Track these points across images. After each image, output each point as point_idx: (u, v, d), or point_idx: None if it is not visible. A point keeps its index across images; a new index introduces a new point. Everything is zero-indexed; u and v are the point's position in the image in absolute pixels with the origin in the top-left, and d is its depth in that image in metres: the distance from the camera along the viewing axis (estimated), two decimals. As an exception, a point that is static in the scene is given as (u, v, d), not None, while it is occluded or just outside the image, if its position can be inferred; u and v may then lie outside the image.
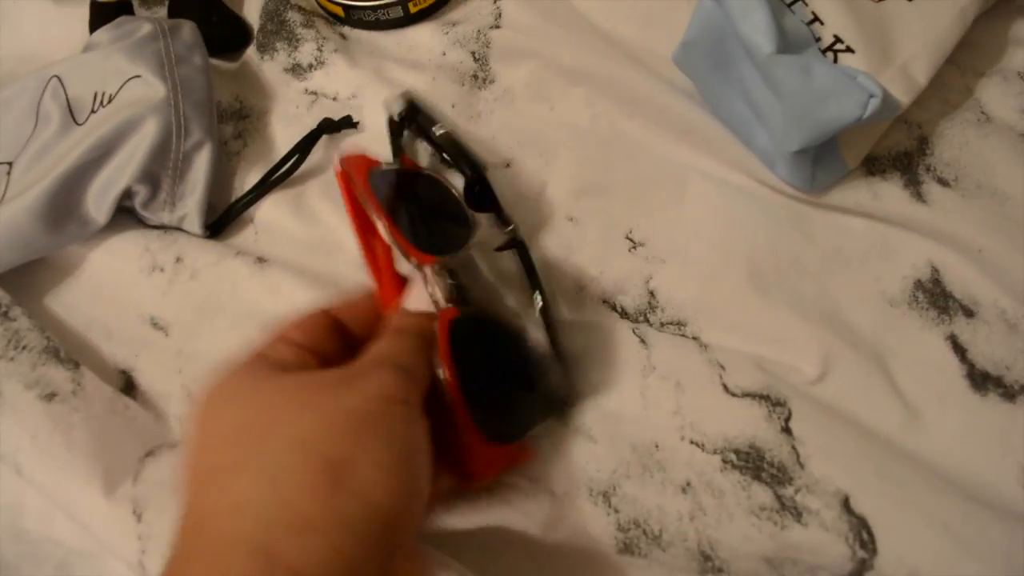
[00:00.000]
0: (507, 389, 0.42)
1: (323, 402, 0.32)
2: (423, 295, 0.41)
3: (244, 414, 0.32)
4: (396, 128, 0.50)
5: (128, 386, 0.47)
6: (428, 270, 0.41)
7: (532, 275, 0.46)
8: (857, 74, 0.44)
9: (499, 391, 0.41)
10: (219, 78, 0.55)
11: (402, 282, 0.42)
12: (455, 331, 0.38)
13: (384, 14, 0.55)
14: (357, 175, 0.42)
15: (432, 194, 0.46)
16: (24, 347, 0.46)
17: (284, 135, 0.54)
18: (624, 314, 0.48)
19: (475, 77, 0.55)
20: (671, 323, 0.47)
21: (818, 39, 0.47)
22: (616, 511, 0.42)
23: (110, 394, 0.46)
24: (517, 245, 0.47)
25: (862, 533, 0.41)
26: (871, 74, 0.45)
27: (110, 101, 0.50)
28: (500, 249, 0.47)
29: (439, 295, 0.40)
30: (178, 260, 0.49)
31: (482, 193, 0.46)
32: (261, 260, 0.49)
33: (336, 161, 0.44)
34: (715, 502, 0.42)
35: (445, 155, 0.50)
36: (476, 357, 0.40)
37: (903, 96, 0.46)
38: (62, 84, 0.51)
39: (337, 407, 0.32)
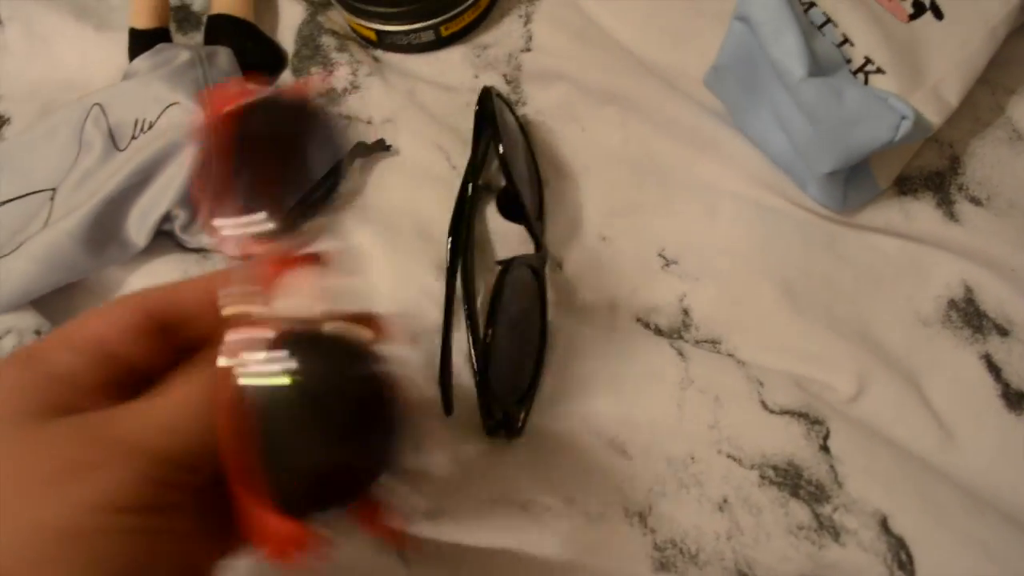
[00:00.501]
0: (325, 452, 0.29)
1: (27, 505, 0.24)
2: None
3: None
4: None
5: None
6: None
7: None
8: (888, 96, 0.44)
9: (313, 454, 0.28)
10: (255, 102, 0.56)
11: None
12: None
13: (416, 38, 0.56)
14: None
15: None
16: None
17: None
18: (659, 332, 0.48)
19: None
20: (706, 341, 0.47)
21: (849, 60, 0.48)
22: (652, 531, 0.42)
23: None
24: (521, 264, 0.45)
25: (900, 554, 0.41)
26: (902, 95, 0.46)
27: (150, 127, 0.51)
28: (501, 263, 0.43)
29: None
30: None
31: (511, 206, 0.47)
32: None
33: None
34: (753, 520, 0.42)
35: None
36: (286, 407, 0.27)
37: (934, 117, 0.46)
38: (103, 112, 0.52)
39: (39, 517, 0.24)
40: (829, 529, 0.42)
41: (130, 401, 0.27)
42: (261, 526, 0.27)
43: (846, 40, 0.48)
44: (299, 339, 0.28)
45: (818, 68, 0.45)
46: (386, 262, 0.50)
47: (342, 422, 0.28)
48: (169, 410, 0.26)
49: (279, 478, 0.26)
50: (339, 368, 0.29)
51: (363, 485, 0.29)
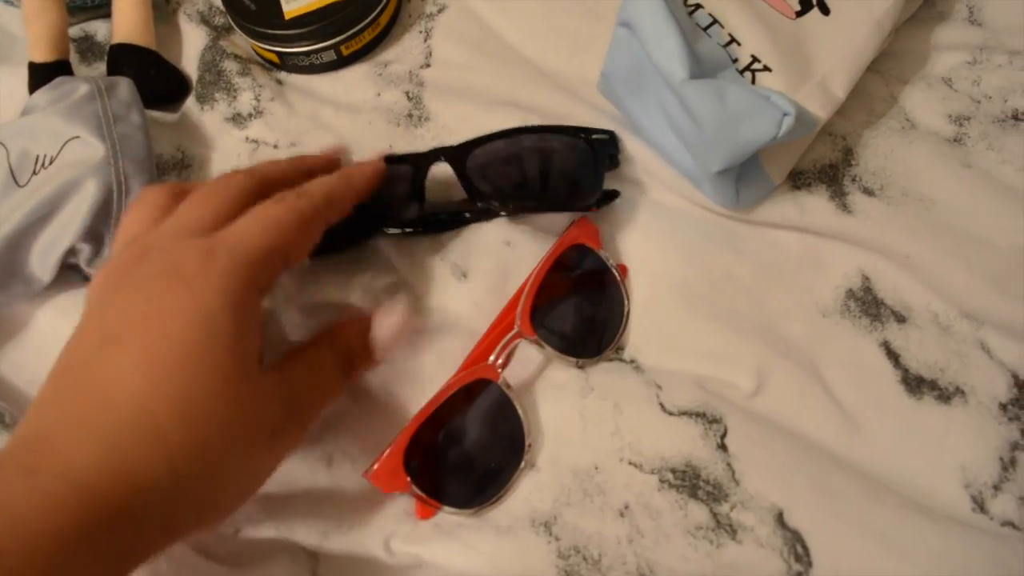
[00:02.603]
0: None
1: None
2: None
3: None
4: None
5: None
6: None
7: None
8: (771, 94, 0.44)
9: None
10: (160, 130, 0.56)
11: None
12: None
13: (318, 58, 0.56)
14: None
15: None
16: (-32, 414, 0.46)
17: (226, 183, 0.54)
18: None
19: (410, 116, 0.55)
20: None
21: (735, 60, 0.48)
22: (557, 539, 0.43)
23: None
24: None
25: (796, 547, 0.41)
26: (788, 91, 0.46)
27: (51, 163, 0.51)
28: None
29: None
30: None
31: None
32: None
33: None
34: (652, 524, 0.43)
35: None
36: None
37: (821, 111, 0.47)
38: (4, 147, 0.51)
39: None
40: (726, 527, 0.42)
41: None
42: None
43: (733, 40, 0.49)
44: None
45: (701, 69, 0.46)
46: (291, 284, 0.51)
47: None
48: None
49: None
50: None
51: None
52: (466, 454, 0.46)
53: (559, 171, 0.51)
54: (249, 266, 0.36)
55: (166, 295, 0.34)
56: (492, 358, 0.45)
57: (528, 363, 0.47)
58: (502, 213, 0.50)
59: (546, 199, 0.51)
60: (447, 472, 0.45)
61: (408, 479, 0.42)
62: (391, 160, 0.48)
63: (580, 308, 0.49)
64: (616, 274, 0.49)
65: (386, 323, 0.43)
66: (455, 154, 0.48)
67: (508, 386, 0.45)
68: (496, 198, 0.48)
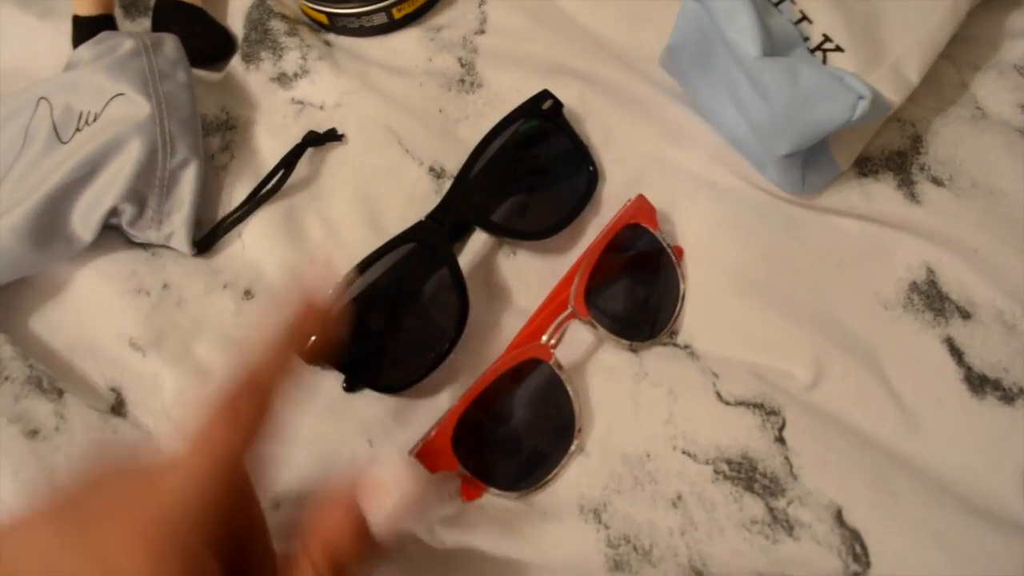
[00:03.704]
0: None
1: None
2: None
3: None
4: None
5: (119, 403, 0.47)
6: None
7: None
8: (845, 75, 0.43)
9: None
10: (204, 89, 0.55)
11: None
12: None
13: (368, 20, 0.55)
14: None
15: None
16: (7, 378, 0.45)
17: (271, 146, 0.53)
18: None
19: (462, 82, 0.54)
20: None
21: (806, 39, 0.46)
22: (606, 527, 0.42)
23: (96, 420, 0.45)
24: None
25: (855, 546, 0.40)
26: (861, 74, 0.45)
27: (95, 119, 0.49)
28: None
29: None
30: (165, 287, 0.49)
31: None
32: (248, 294, 0.49)
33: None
34: (706, 516, 0.42)
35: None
36: None
37: (894, 95, 0.45)
38: (48, 102, 0.50)
39: None
40: (783, 523, 0.41)
41: None
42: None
43: (804, 17, 0.47)
44: None
45: (773, 47, 0.44)
46: (335, 252, 0.49)
47: None
48: None
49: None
50: None
51: None
52: (515, 435, 0.45)
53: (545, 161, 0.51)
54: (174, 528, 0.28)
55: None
56: (545, 338, 0.44)
57: (579, 344, 0.46)
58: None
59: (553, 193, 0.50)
60: (495, 453, 0.44)
61: (456, 458, 0.41)
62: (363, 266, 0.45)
63: (634, 289, 0.47)
64: (672, 256, 0.47)
65: (384, 496, 0.31)
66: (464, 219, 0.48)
67: (560, 367, 0.44)
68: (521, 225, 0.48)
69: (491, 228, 0.48)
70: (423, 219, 0.47)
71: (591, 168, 0.50)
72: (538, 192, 0.50)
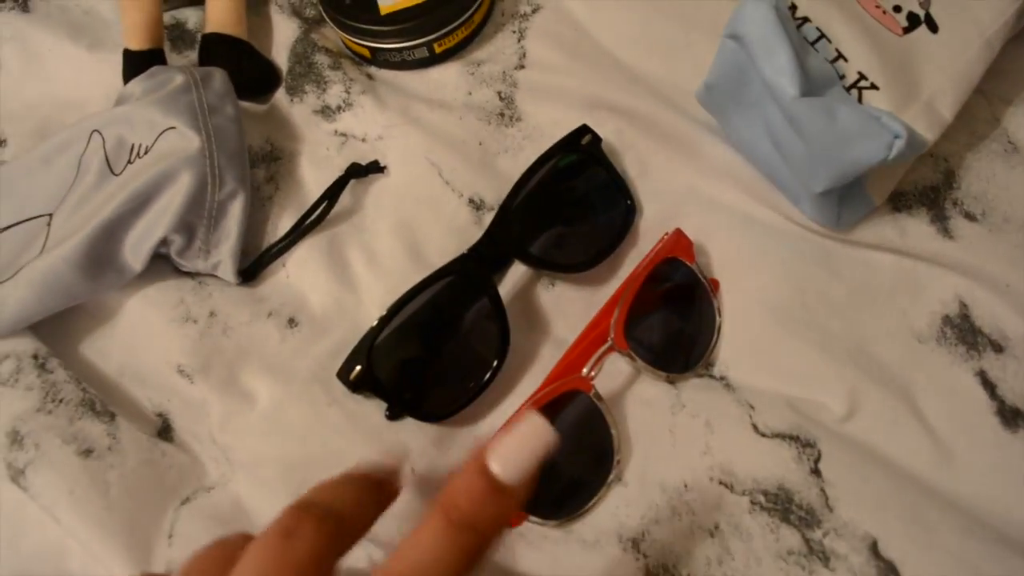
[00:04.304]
0: None
1: None
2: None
3: None
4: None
5: (166, 428, 0.48)
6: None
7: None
8: (882, 114, 0.44)
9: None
10: (250, 121, 0.56)
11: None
12: None
13: (410, 55, 0.56)
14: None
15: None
16: (61, 400, 0.47)
17: (315, 178, 0.55)
18: (652, 352, 0.48)
19: (501, 115, 0.55)
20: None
21: (842, 77, 0.47)
22: (645, 556, 0.43)
23: (146, 443, 0.47)
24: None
25: (891, 578, 0.41)
26: (895, 111, 0.45)
27: (146, 152, 0.51)
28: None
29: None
30: (211, 315, 0.50)
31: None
32: (292, 322, 0.50)
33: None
34: (743, 546, 0.42)
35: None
36: None
37: (928, 133, 0.46)
38: (101, 135, 0.52)
39: None
40: (819, 554, 0.42)
41: None
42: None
43: (840, 56, 0.48)
44: None
45: (811, 86, 0.45)
46: (377, 282, 0.51)
47: None
48: None
49: None
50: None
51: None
52: (555, 465, 0.45)
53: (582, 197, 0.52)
54: None
55: None
56: (585, 370, 0.45)
57: (617, 375, 0.47)
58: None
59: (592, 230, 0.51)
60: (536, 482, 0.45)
61: None
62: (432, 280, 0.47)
63: (672, 323, 0.48)
64: (709, 289, 0.48)
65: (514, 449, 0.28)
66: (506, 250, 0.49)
67: (600, 399, 0.45)
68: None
69: (531, 261, 0.49)
70: (466, 251, 0.48)
71: (629, 202, 0.51)
72: (577, 225, 0.51)
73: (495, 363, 0.46)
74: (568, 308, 0.50)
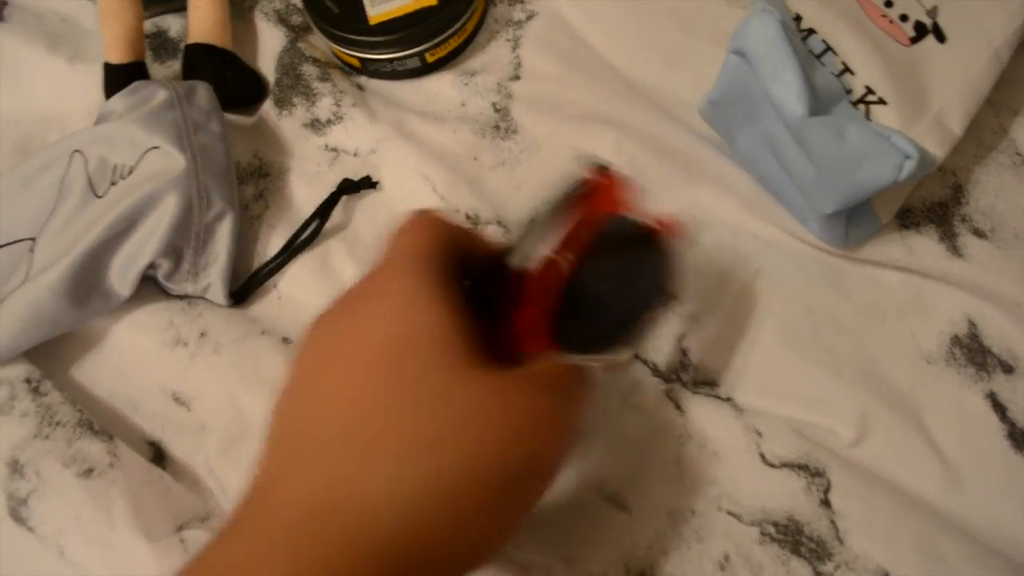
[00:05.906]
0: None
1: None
2: None
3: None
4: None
5: (158, 457, 0.47)
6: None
7: None
8: (892, 135, 0.42)
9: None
10: (237, 134, 0.54)
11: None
12: None
13: (401, 64, 0.54)
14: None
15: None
16: (58, 423, 0.46)
17: (306, 194, 0.53)
18: (656, 371, 0.47)
19: (497, 128, 0.54)
20: (703, 383, 0.47)
21: (849, 91, 0.46)
22: (654, 589, 0.42)
23: (144, 465, 0.46)
24: None
25: (904, 613, 0.40)
26: (903, 127, 0.44)
27: (130, 173, 0.49)
28: None
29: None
30: (202, 335, 0.49)
31: None
32: (286, 340, 0.49)
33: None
34: (754, 579, 0.42)
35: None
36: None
37: (938, 149, 0.45)
38: (83, 155, 0.50)
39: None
40: (832, 589, 0.41)
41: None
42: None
43: (846, 69, 0.46)
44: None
45: (818, 103, 0.44)
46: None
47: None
48: None
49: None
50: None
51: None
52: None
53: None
54: (419, 261, 0.33)
55: (356, 318, 0.33)
56: None
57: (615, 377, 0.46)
58: None
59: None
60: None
61: None
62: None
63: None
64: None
65: None
66: None
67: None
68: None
69: None
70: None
71: None
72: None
73: None
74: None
